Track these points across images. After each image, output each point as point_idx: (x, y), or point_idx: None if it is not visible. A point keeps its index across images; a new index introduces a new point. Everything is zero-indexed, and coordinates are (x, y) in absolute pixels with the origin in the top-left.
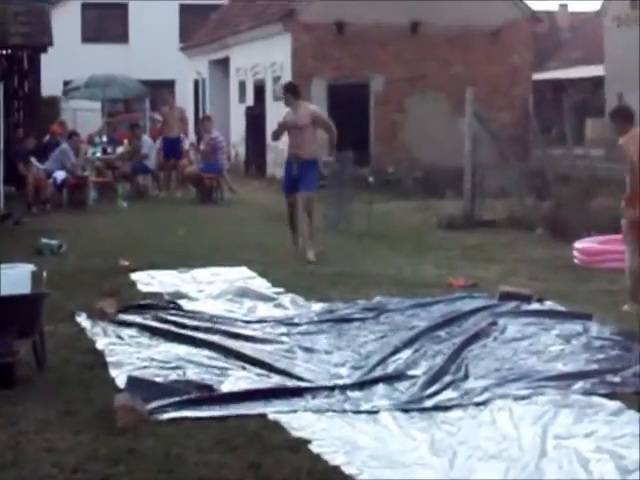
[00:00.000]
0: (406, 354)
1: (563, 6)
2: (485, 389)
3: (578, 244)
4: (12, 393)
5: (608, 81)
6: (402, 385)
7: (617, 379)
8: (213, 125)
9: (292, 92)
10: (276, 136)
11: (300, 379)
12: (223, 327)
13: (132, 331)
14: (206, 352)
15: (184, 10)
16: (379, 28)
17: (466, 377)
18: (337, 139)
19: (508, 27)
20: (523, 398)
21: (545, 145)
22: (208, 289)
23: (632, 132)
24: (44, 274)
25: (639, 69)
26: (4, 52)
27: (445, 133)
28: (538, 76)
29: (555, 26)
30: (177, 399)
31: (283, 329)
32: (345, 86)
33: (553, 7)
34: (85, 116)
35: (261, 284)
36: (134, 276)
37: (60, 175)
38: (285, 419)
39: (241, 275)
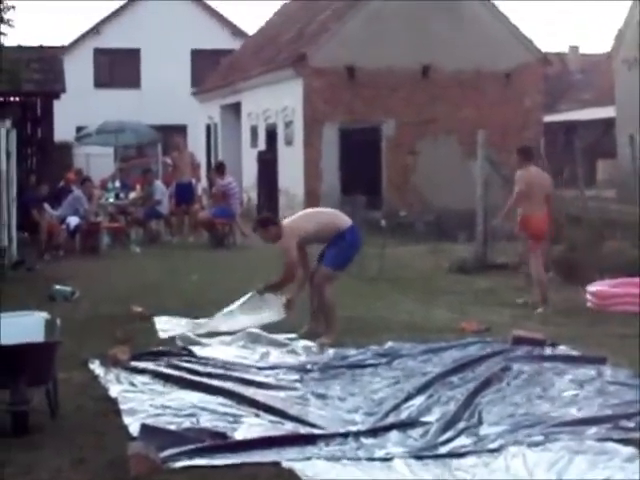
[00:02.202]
0: (419, 400)
1: (574, 48)
2: (499, 435)
3: (591, 287)
4: (25, 441)
5: (619, 122)
6: (416, 432)
7: (631, 424)
8: (225, 172)
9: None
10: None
11: (313, 426)
12: (236, 374)
13: (145, 378)
14: (219, 399)
15: (195, 55)
16: (390, 72)
17: (480, 423)
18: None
19: (519, 70)
20: (537, 444)
21: (556, 187)
22: (221, 335)
23: (528, 168)
24: (57, 321)
25: None
26: (17, 99)
27: (457, 176)
28: (549, 118)
29: (566, 68)
30: (191, 447)
31: (296, 376)
32: (357, 130)
33: (564, 49)
34: (98, 161)
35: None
36: (147, 322)
37: (73, 221)
38: (299, 467)
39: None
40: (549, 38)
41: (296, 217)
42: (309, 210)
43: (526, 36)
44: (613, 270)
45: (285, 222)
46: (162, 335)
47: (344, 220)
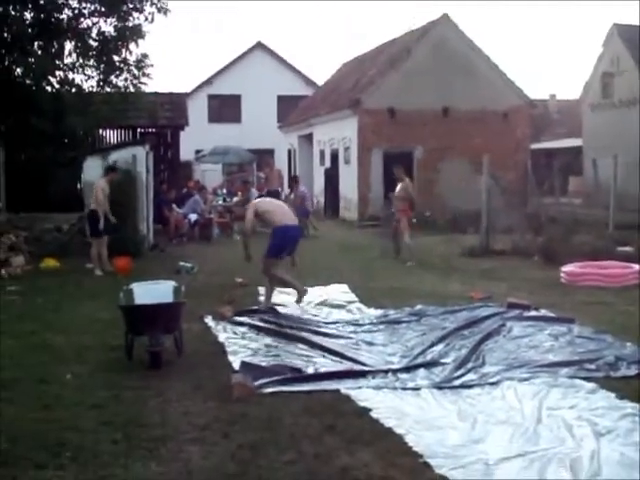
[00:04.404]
0: (440, 347)
1: (552, 95)
2: (497, 373)
3: (564, 268)
4: (159, 373)
5: (585, 150)
6: (437, 369)
7: (593, 367)
8: (300, 182)
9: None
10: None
11: (363, 364)
12: (308, 326)
13: (244, 328)
14: (297, 344)
15: (280, 99)
16: (419, 112)
17: (483, 364)
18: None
19: (513, 110)
20: (524, 380)
21: (539, 196)
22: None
23: (405, 182)
24: (182, 288)
25: (607, 141)
26: (154, 130)
27: (467, 187)
28: (534, 146)
29: (547, 110)
30: (276, 378)
31: (351, 328)
32: (395, 154)
33: (545, 96)
34: (210, 175)
35: (337, 296)
36: (246, 289)
37: (193, 217)
38: (353, 393)
39: (338, 290)
40: (535, 87)
41: (261, 200)
42: (274, 200)
43: (518, 86)
44: (580, 256)
45: (254, 201)
46: (253, 298)
47: (288, 218)
